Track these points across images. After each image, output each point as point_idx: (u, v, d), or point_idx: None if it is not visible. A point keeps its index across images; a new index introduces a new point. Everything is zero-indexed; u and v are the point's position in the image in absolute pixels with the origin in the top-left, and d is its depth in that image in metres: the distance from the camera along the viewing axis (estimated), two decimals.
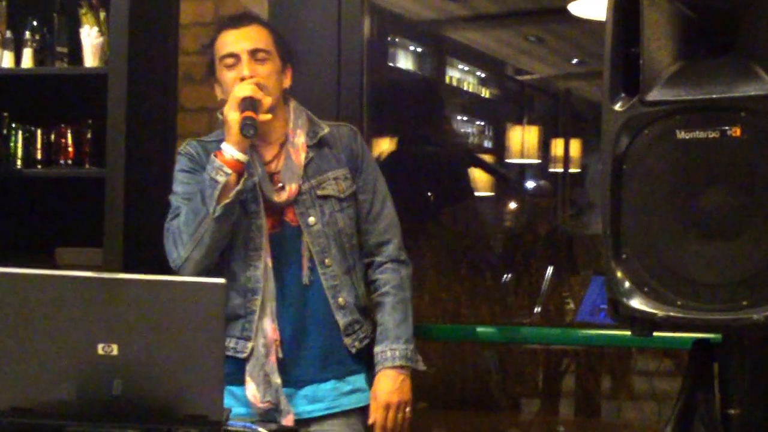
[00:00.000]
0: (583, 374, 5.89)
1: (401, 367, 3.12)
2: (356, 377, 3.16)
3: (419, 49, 7.47)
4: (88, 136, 4.05)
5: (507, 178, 7.13)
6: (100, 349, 2.28)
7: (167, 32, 4.17)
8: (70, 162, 4.05)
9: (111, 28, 3.88)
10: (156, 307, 2.31)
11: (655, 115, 2.31)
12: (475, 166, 6.71)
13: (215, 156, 2.98)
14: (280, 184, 3.11)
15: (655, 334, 2.38)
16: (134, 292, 2.32)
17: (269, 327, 3.04)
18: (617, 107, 2.35)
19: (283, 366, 3.07)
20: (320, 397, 3.11)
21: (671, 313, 2.30)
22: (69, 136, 4.06)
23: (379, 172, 3.27)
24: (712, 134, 2.24)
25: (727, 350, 2.43)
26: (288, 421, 2.99)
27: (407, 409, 3.13)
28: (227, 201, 2.96)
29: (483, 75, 7.90)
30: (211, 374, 2.33)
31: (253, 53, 3.07)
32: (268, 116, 3.03)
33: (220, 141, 3.04)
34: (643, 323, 2.36)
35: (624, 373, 5.97)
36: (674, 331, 2.45)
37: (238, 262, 3.08)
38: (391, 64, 6.94)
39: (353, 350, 3.13)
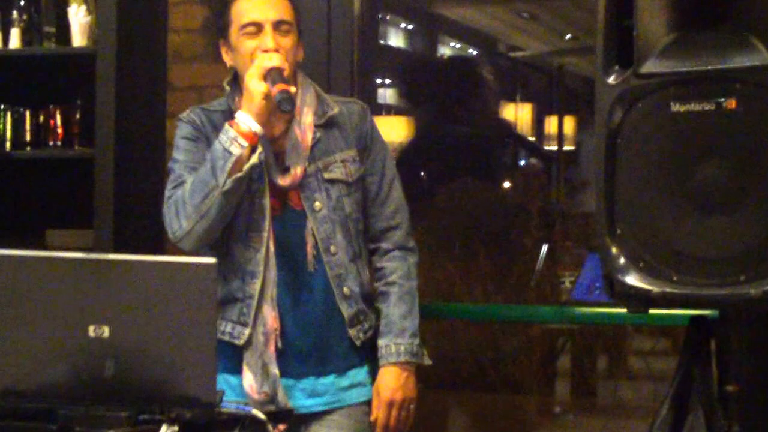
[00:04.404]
0: (578, 354, 5.88)
1: (406, 362, 3.01)
2: (356, 371, 3.04)
3: (410, 26, 7.45)
4: (77, 116, 4.03)
5: (542, 153, 7.10)
6: (92, 330, 2.26)
7: (156, 11, 4.14)
8: (59, 143, 4.03)
9: (99, 6, 3.85)
10: (147, 288, 2.29)
11: (650, 88, 2.28)
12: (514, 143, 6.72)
13: (230, 126, 2.84)
14: (285, 166, 2.97)
15: (651, 311, 2.37)
16: (125, 273, 2.30)
17: (269, 315, 2.93)
18: (611, 80, 2.33)
19: (282, 356, 2.95)
20: (320, 391, 2.99)
21: (667, 289, 2.29)
22: (58, 116, 4.04)
23: (388, 152, 3.13)
24: (707, 106, 2.22)
25: (724, 326, 2.42)
26: None
27: (411, 407, 3.03)
28: (240, 175, 2.82)
29: (475, 52, 7.87)
30: (203, 355, 2.31)
31: (277, 25, 2.93)
32: (294, 88, 2.90)
33: (225, 111, 2.96)
34: (638, 300, 2.34)
35: (620, 352, 5.97)
36: (670, 308, 2.44)
37: (238, 243, 2.95)
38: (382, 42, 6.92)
39: (357, 342, 3.01)
